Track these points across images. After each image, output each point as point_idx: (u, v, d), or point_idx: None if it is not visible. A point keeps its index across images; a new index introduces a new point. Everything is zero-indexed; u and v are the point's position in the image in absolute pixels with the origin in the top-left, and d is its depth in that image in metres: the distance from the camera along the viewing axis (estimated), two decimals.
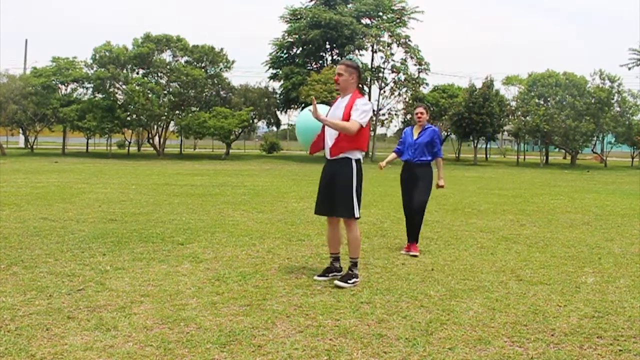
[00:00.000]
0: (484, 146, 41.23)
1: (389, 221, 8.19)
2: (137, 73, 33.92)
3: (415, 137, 5.99)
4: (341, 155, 4.47)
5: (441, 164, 6.17)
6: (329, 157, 4.55)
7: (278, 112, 38.19)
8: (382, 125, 40.01)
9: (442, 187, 6.21)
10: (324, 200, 4.59)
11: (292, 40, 36.92)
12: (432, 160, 6.05)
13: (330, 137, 4.50)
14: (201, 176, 17.93)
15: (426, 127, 6.02)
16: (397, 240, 6.57)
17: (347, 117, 4.39)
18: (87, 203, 9.62)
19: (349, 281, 4.44)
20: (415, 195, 5.97)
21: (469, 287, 4.49)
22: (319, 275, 4.68)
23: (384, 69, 37.25)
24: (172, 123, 35.44)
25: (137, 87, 32.16)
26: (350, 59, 4.40)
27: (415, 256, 5.67)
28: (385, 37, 36.34)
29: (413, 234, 5.95)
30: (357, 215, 4.49)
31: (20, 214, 8.10)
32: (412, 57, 36.81)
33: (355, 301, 4.06)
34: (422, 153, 5.95)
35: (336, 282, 4.45)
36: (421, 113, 5.99)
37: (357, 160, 4.51)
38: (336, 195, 4.48)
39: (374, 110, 37.86)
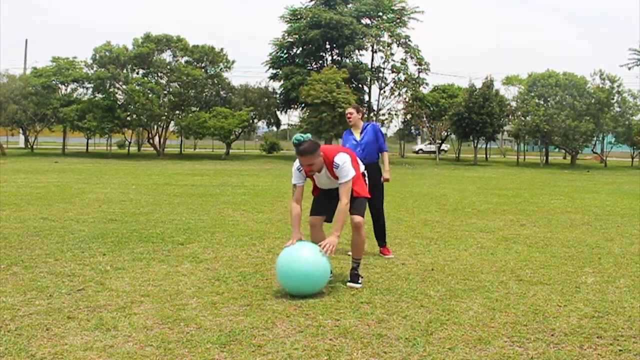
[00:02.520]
0: (484, 146, 41.23)
1: (389, 221, 8.18)
2: (137, 73, 33.94)
3: (358, 138, 5.81)
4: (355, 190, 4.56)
5: (387, 157, 6.00)
6: None
7: (278, 112, 38.21)
8: (382, 125, 40.04)
9: (387, 180, 5.88)
10: (328, 205, 4.66)
11: (292, 40, 36.91)
12: (378, 158, 5.88)
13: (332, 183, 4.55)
14: (201, 176, 17.93)
15: (365, 124, 5.85)
16: (397, 240, 6.57)
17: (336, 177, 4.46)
18: (87, 203, 9.62)
19: (359, 281, 4.52)
20: (375, 200, 5.78)
21: (469, 287, 4.48)
22: None
23: (384, 69, 37.30)
24: (172, 123, 35.45)
25: (137, 87, 32.19)
26: (302, 140, 4.34)
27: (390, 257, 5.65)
28: (385, 37, 36.39)
29: (381, 238, 5.89)
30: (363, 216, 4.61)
31: (20, 214, 8.10)
32: (412, 57, 36.84)
33: (355, 301, 4.06)
34: (370, 153, 5.77)
35: (349, 284, 4.50)
36: (350, 113, 5.83)
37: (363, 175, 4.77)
38: (353, 203, 4.53)
39: (374, 111, 37.90)
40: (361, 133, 5.84)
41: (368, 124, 5.89)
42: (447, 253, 5.90)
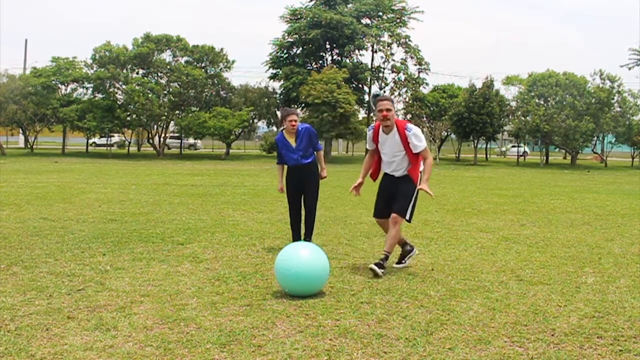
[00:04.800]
0: (484, 146, 41.21)
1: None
2: (137, 73, 33.92)
3: (293, 144, 5.86)
4: (408, 174, 5.02)
5: (322, 156, 6.12)
6: (398, 176, 5.05)
7: (278, 112, 38.17)
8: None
9: (324, 177, 6.11)
10: (385, 205, 5.08)
11: (292, 40, 36.90)
12: (314, 157, 6.01)
13: (402, 165, 5.01)
14: (201, 176, 17.93)
15: (300, 128, 5.87)
16: None
17: (406, 146, 4.92)
18: (87, 203, 9.62)
19: (381, 269, 4.77)
20: (310, 196, 5.94)
21: (469, 287, 4.48)
22: (396, 263, 5.15)
23: (384, 69, 37.29)
24: (172, 123, 35.44)
25: (137, 87, 32.17)
26: (381, 94, 4.70)
27: None
28: (386, 37, 36.38)
29: (309, 230, 5.95)
30: (407, 217, 4.98)
31: (20, 214, 8.10)
32: (412, 57, 36.83)
33: (355, 301, 4.06)
34: (306, 154, 5.89)
35: (371, 266, 4.81)
36: (295, 121, 5.84)
37: None
38: (398, 199, 4.96)
39: (373, 111, 37.92)
40: (297, 139, 5.85)
41: (302, 128, 5.89)
42: (447, 253, 5.89)
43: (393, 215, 4.89)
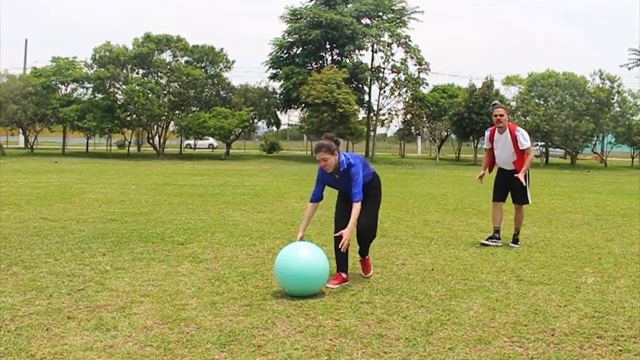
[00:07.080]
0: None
1: (389, 221, 8.19)
2: (137, 73, 33.90)
3: (337, 176, 4.65)
4: (515, 167, 6.40)
5: (355, 212, 4.49)
6: (509, 169, 6.46)
7: (278, 112, 38.16)
8: (382, 126, 40.04)
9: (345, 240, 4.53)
10: (503, 191, 6.50)
11: (292, 40, 36.87)
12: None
13: (510, 159, 6.40)
14: (201, 176, 17.93)
15: (339, 168, 4.59)
16: (397, 240, 6.57)
17: (516, 146, 6.31)
18: (87, 203, 9.62)
19: (517, 243, 6.36)
20: (367, 208, 4.67)
21: (469, 287, 4.49)
22: (484, 240, 6.39)
23: (384, 69, 37.25)
24: (172, 123, 35.44)
25: (137, 87, 32.15)
26: (498, 103, 6.52)
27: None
28: (386, 37, 36.33)
29: (363, 248, 4.79)
30: (529, 202, 6.48)
31: (20, 214, 8.10)
32: (412, 57, 36.79)
33: (355, 301, 4.06)
34: (347, 186, 4.57)
35: (510, 244, 6.34)
36: (325, 159, 4.50)
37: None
38: (515, 190, 6.40)
39: (374, 111, 37.93)
40: (339, 177, 4.65)
41: (343, 169, 4.59)
42: (447, 253, 5.90)
43: (517, 205, 6.44)
